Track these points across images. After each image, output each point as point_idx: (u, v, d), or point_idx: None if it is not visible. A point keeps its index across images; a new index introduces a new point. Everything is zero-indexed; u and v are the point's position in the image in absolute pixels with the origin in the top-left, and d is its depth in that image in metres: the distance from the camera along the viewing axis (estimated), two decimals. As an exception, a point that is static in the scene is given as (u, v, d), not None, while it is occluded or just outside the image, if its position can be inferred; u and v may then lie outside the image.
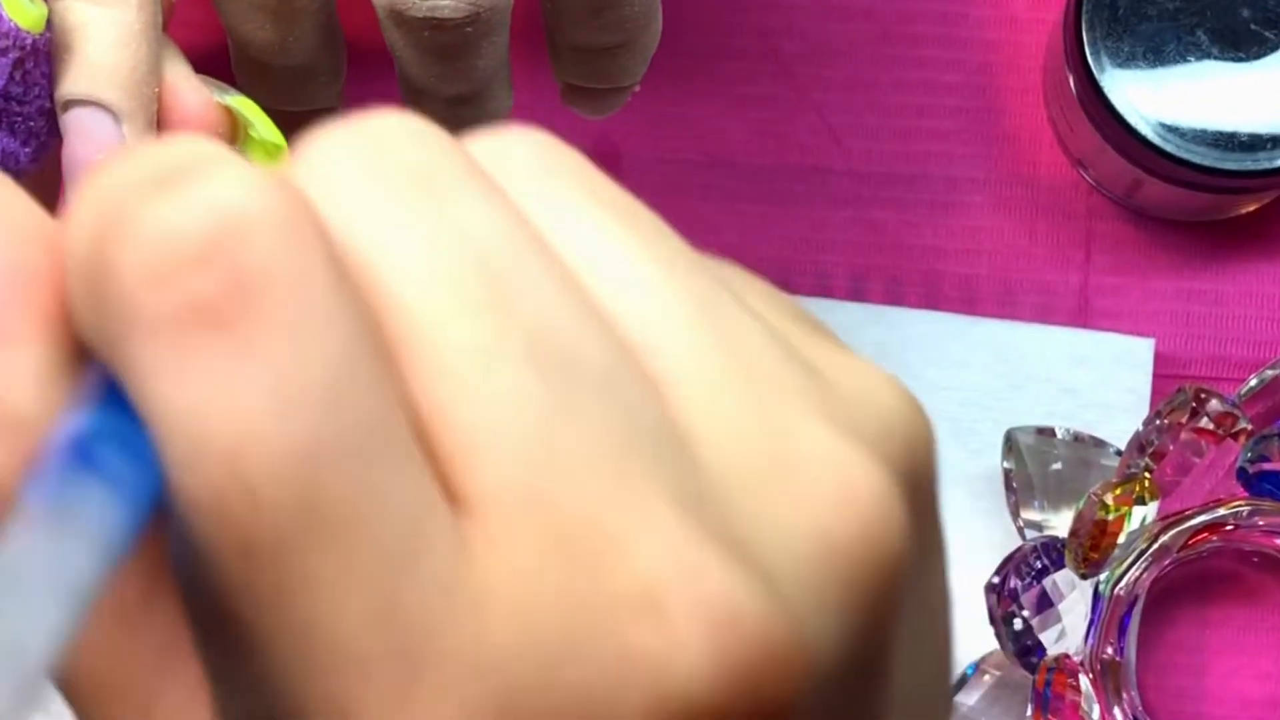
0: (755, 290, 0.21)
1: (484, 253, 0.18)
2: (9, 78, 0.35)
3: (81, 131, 0.36)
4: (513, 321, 0.18)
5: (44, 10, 0.35)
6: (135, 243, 0.17)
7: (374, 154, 0.19)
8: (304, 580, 0.17)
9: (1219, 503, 0.49)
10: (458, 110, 0.40)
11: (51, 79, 0.36)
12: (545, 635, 0.17)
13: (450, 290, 0.18)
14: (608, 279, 0.19)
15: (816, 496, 0.18)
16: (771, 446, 0.18)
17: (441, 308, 0.18)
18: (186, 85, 0.38)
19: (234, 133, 0.39)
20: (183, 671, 0.18)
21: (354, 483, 0.17)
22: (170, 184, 0.17)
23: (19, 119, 0.36)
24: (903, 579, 0.18)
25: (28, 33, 0.35)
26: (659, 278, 0.19)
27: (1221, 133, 0.48)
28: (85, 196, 0.18)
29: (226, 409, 0.16)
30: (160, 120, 0.37)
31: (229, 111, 0.39)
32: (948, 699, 0.23)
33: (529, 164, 0.20)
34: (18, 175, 0.36)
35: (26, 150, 0.36)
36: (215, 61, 0.43)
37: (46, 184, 0.41)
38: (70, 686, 0.18)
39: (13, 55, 0.35)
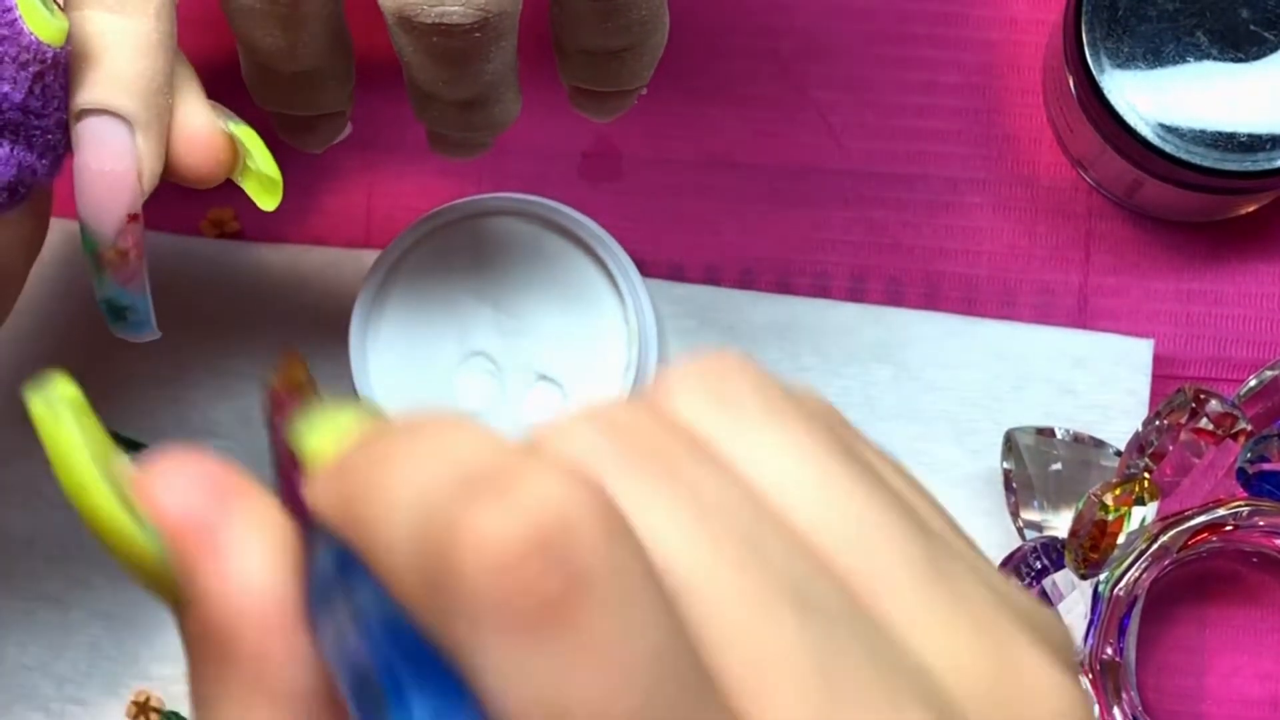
0: (900, 474, 0.24)
1: (730, 518, 0.21)
2: (29, 91, 0.34)
3: (95, 140, 0.36)
4: (769, 572, 0.20)
5: (65, 23, 0.35)
6: (478, 550, 0.19)
7: (619, 440, 0.22)
8: None
9: (1219, 503, 0.49)
10: (466, 114, 0.40)
11: (68, 91, 0.36)
12: None
13: (714, 552, 0.20)
14: (824, 527, 0.22)
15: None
16: (1002, 678, 0.21)
17: (711, 567, 0.20)
18: (197, 106, 0.38)
19: (235, 161, 0.39)
20: None
21: None
22: (490, 488, 0.19)
23: (38, 132, 0.35)
24: None
25: (49, 46, 0.34)
26: (859, 514, 0.22)
27: (1221, 133, 0.48)
28: (380, 497, 0.20)
29: (577, 694, 0.18)
30: (168, 139, 0.37)
31: (232, 139, 0.38)
32: None
33: (752, 405, 0.23)
34: (34, 188, 0.36)
35: (44, 163, 0.36)
36: (222, 65, 0.43)
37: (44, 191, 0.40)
38: None
39: (33, 69, 0.34)
